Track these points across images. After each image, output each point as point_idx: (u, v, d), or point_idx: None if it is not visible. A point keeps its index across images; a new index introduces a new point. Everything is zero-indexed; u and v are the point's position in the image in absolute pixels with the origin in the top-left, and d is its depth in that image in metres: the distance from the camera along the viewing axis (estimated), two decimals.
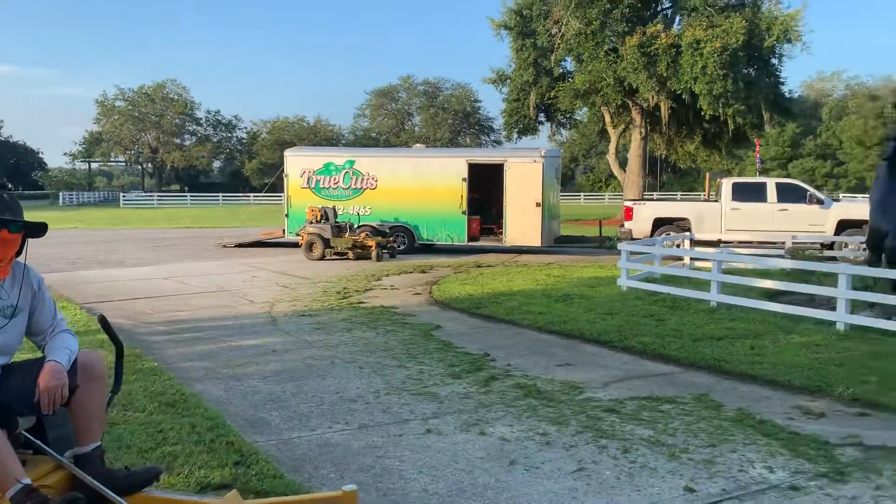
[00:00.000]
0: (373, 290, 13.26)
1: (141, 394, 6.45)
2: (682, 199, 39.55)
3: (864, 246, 12.83)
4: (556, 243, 21.40)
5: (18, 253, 2.98)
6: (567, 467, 4.93)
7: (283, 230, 21.85)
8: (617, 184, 58.16)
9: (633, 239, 18.21)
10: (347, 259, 18.41)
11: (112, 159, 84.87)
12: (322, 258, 18.43)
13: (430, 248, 21.05)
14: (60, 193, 65.59)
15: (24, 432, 3.09)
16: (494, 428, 5.70)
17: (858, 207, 17.97)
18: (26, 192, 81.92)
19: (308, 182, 21.26)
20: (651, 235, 18.73)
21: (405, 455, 5.15)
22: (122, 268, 16.79)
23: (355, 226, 19.61)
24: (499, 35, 33.33)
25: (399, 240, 20.37)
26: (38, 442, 3.12)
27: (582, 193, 69.68)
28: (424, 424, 5.80)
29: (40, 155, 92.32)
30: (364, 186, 20.92)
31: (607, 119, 34.43)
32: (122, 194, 68.66)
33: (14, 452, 2.65)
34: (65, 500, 2.47)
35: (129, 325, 9.89)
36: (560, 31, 30.23)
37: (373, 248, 18.38)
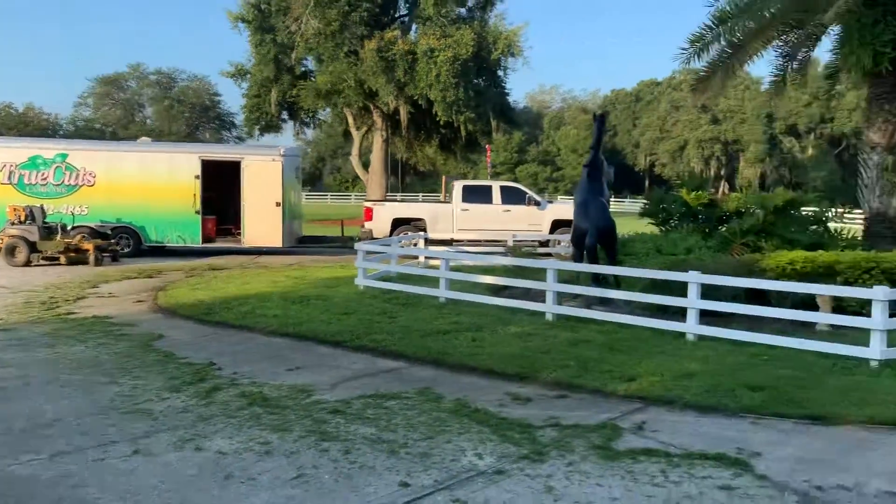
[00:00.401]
0: (86, 299, 11.98)
1: None
2: (422, 201, 41.29)
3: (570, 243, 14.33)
4: (299, 244, 21.12)
5: None
6: (286, 475, 4.80)
7: None
8: (363, 184, 59.19)
9: (373, 239, 18.56)
10: (59, 264, 16.46)
11: None
12: (27, 264, 16.27)
13: (160, 251, 19.60)
14: None
15: None
16: (212, 442, 5.39)
17: (569, 208, 20.06)
18: None
19: (10, 177, 18.65)
20: (390, 235, 19.25)
21: (106, 481, 4.66)
22: None
23: (69, 227, 17.61)
24: (237, 28, 32.11)
25: (122, 242, 18.68)
26: None
27: (329, 193, 69.80)
28: (133, 445, 5.31)
29: None
30: (80, 183, 18.86)
31: (350, 120, 34.76)
32: None
33: None
34: None
35: None
36: (300, 29, 29.88)
37: (90, 251, 16.64)
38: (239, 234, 19.88)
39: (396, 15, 33.35)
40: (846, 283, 9.64)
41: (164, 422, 5.85)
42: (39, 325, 9.78)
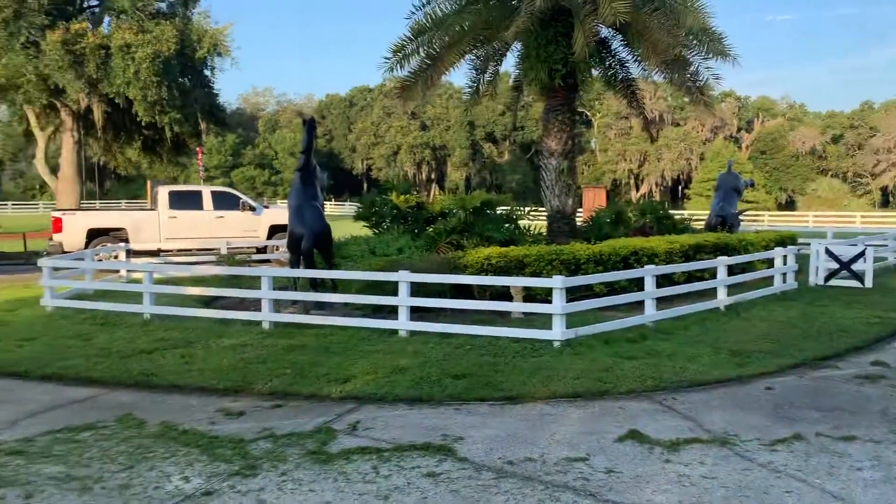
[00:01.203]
0: None
1: None
2: (125, 208, 38.08)
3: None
4: None
5: None
6: None
7: None
8: (52, 191, 52.78)
9: (64, 252, 16.61)
10: None
11: None
12: None
13: None
14: None
15: None
16: None
17: (286, 213, 19.84)
18: None
19: None
20: (86, 248, 17.38)
21: None
22: None
23: None
24: None
25: None
26: None
27: (10, 202, 61.13)
28: None
29: None
30: None
31: (32, 120, 30.78)
32: None
33: None
34: None
35: None
36: None
37: None
38: None
39: (84, 5, 30.30)
40: (533, 274, 10.80)
41: None
42: None
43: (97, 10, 30.41)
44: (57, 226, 17.97)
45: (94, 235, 17.98)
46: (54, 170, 32.26)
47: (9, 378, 7.72)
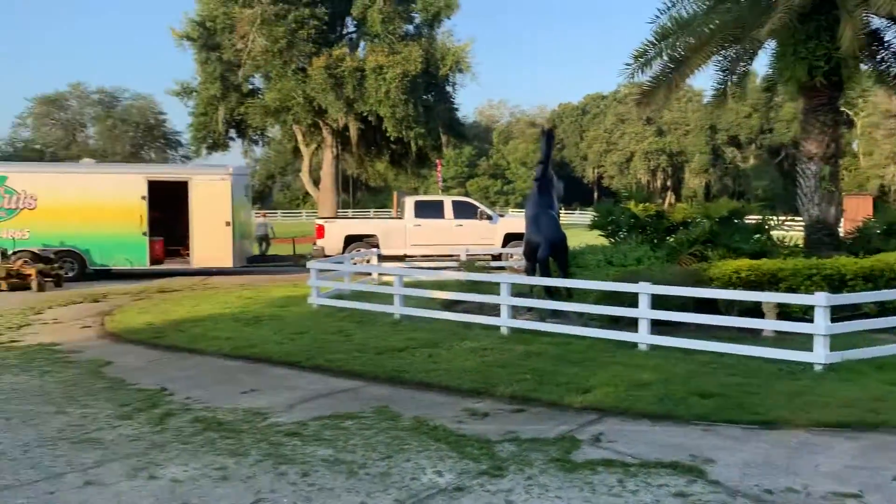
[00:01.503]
0: (31, 326, 11.62)
1: None
2: (374, 217, 41.20)
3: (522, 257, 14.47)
4: (250, 263, 20.85)
5: None
6: (244, 501, 4.73)
7: None
8: (314, 201, 58.79)
9: (325, 256, 18.44)
10: (0, 291, 15.92)
11: None
12: None
13: (106, 275, 19.11)
14: None
15: None
16: (166, 469, 5.28)
17: (521, 222, 20.23)
18: None
19: None
20: (343, 252, 19.15)
21: None
22: None
23: (10, 252, 17.05)
24: (181, 46, 31.69)
25: (66, 266, 18.16)
26: None
27: (279, 211, 69.06)
28: (83, 476, 5.16)
29: None
30: (20, 206, 18.28)
31: (299, 137, 34.58)
32: None
33: None
34: None
35: None
36: (247, 47, 29.68)
37: (32, 276, 16.14)
38: (188, 255, 19.52)
39: (344, 32, 33.41)
40: (789, 289, 9.95)
41: (115, 450, 5.70)
42: None
43: (354, 36, 33.40)
44: (320, 232, 20.00)
45: (351, 241, 19.74)
46: (316, 182, 35.93)
47: (285, 367, 8.74)
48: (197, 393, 7.45)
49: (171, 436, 6.06)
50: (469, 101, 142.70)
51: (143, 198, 18.68)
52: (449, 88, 32.83)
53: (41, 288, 16.07)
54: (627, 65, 14.20)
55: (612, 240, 14.23)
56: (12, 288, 16.03)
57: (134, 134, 71.30)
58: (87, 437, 6.05)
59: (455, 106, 33.88)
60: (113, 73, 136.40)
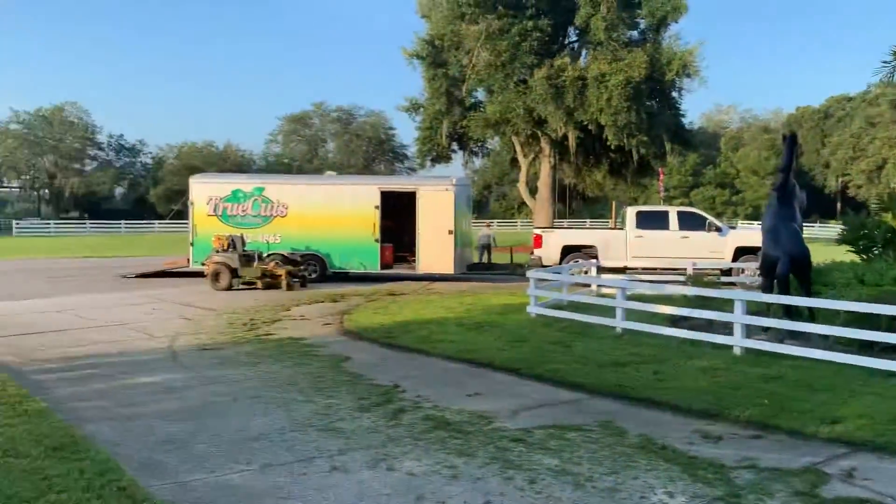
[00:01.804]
0: (281, 321, 12.95)
1: (25, 438, 6.03)
2: (590, 227, 40.67)
3: (758, 272, 13.48)
4: (469, 270, 21.55)
5: None
6: (474, 500, 4.88)
7: (188, 259, 21.11)
8: (529, 210, 59.43)
9: (542, 266, 18.56)
10: (256, 289, 17.95)
11: (5, 185, 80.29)
12: (229, 288, 17.90)
13: (342, 277, 20.79)
14: None
15: None
16: (402, 463, 5.61)
17: (754, 235, 18.91)
18: None
19: (215, 209, 20.68)
20: (560, 262, 19.14)
21: (309, 495, 4.99)
22: (13, 301, 15.78)
23: (264, 255, 19.17)
24: (411, 64, 33.62)
25: (310, 268, 20.03)
26: None
27: (495, 220, 70.77)
28: (330, 462, 5.64)
29: None
30: (274, 214, 20.52)
31: (518, 148, 35.15)
32: (14, 222, 64.81)
33: None
34: None
35: (17, 363, 9.28)
36: (471, 63, 30.78)
37: (283, 277, 18.00)
38: (414, 261, 20.64)
39: (566, 42, 33.43)
40: None
41: (356, 441, 6.17)
42: (242, 345, 10.70)
43: (576, 45, 33.32)
44: (537, 242, 20.17)
45: (568, 251, 19.68)
46: (532, 192, 36.26)
47: (506, 373, 8.91)
48: (426, 392, 7.84)
49: (404, 431, 6.43)
50: (696, 106, 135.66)
51: (377, 207, 20.09)
52: (675, 94, 31.60)
53: (290, 287, 17.87)
54: (885, 63, 12.78)
55: (864, 256, 12.83)
56: (266, 286, 17.99)
57: (367, 148, 76.96)
58: (332, 425, 6.60)
59: (681, 112, 32.53)
60: (350, 92, 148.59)
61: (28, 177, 76.34)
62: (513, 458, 5.71)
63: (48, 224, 62.79)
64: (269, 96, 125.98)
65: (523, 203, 50.66)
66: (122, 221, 61.84)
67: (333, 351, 10.19)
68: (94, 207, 77.72)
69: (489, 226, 29.15)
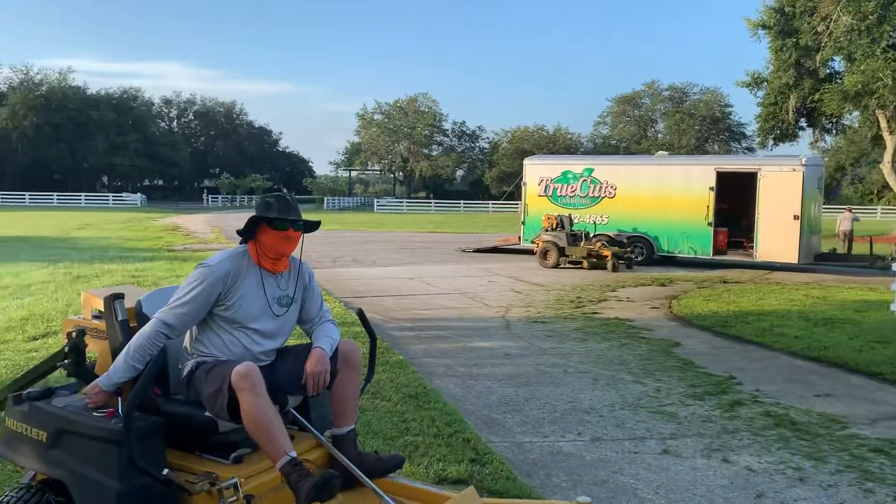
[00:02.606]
0: (607, 301, 13.01)
1: (388, 384, 6.92)
2: None
3: None
4: (816, 261, 19.42)
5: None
6: None
7: (519, 237, 22.24)
8: (892, 196, 51.43)
9: None
10: (581, 268, 18.26)
11: (369, 168, 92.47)
12: (556, 266, 18.47)
13: (669, 261, 20.18)
14: (325, 198, 72.87)
15: (292, 410, 3.45)
16: (739, 456, 5.30)
17: None
18: (298, 196, 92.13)
19: (545, 190, 21.45)
20: None
21: (640, 473, 4.97)
22: (375, 267, 18.19)
23: (591, 235, 19.39)
24: (755, 35, 31.03)
25: (636, 251, 19.77)
26: (304, 420, 3.46)
27: (848, 206, 62.53)
28: (661, 444, 5.55)
29: (310, 164, 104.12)
30: (602, 195, 20.63)
31: (882, 123, 30.53)
32: (376, 200, 74.54)
33: (284, 428, 2.95)
34: (323, 477, 2.70)
35: (380, 320, 10.67)
36: (828, 29, 27.41)
37: (608, 258, 18.04)
38: (751, 247, 19.20)
39: None
40: None
41: (688, 427, 5.97)
42: (570, 321, 10.98)
43: None
44: None
45: None
46: None
47: (864, 376, 7.87)
48: (766, 387, 7.27)
49: (741, 424, 6.05)
50: None
51: (711, 189, 19.05)
52: None
53: (615, 269, 17.85)
54: None
55: None
56: (591, 267, 18.21)
57: (699, 127, 73.29)
58: (662, 409, 6.48)
59: None
60: (684, 69, 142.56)
61: (386, 161, 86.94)
62: (873, 470, 5.04)
63: (401, 202, 71.07)
64: (600, 78, 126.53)
65: (885, 187, 43.97)
66: (462, 202, 67.46)
67: (662, 335, 9.96)
68: (438, 188, 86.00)
69: (850, 210, 25.80)
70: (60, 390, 3.26)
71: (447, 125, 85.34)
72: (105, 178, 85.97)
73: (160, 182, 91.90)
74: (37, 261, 17.02)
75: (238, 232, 3.27)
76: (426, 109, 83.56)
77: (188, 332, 3.23)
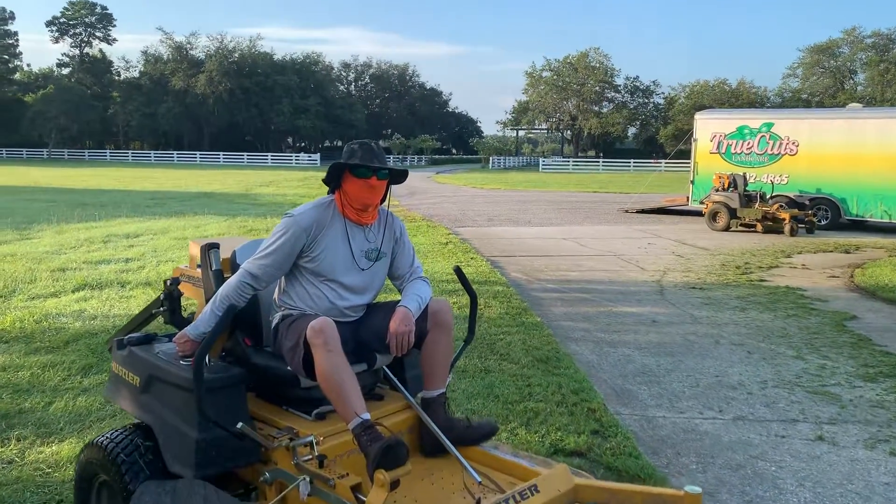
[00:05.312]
0: (779, 268, 11.86)
1: (519, 346, 6.70)
2: None
3: None
4: None
5: (382, 200, 3.16)
6: None
7: (688, 198, 20.91)
8: None
9: None
10: (755, 232, 16.83)
11: (536, 127, 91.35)
12: (726, 229, 17.16)
13: (859, 226, 18.10)
14: (491, 158, 73.05)
15: (385, 368, 3.32)
16: None
17: None
18: (465, 155, 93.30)
19: (718, 147, 19.92)
20: None
21: (785, 461, 4.41)
22: (529, 227, 17.87)
23: (767, 196, 17.78)
24: None
25: (820, 214, 17.91)
26: (395, 379, 3.32)
27: None
28: (816, 430, 4.90)
29: (478, 124, 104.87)
30: (782, 152, 18.81)
31: None
32: (541, 159, 73.54)
33: (359, 388, 2.81)
34: (389, 443, 2.54)
35: (524, 280, 10.43)
36: None
37: (786, 221, 16.46)
38: None
39: None
40: None
41: (852, 412, 5.24)
42: (732, 288, 10.11)
43: None
44: None
45: None
46: None
47: None
48: None
49: None
50: None
51: None
52: None
53: (793, 233, 16.28)
54: None
55: None
56: (766, 230, 16.74)
57: None
58: (823, 389, 5.74)
59: None
60: (891, 12, 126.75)
61: (554, 119, 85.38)
62: None
63: (567, 161, 69.58)
64: (790, 27, 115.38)
65: None
66: (631, 160, 64.86)
67: (837, 307, 8.89)
68: (608, 147, 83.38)
69: None
70: (161, 337, 3.35)
71: (619, 80, 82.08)
72: (290, 140, 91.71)
73: (339, 143, 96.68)
74: (220, 214, 18.45)
75: (323, 181, 3.16)
76: (597, 65, 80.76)
77: (277, 283, 3.18)
